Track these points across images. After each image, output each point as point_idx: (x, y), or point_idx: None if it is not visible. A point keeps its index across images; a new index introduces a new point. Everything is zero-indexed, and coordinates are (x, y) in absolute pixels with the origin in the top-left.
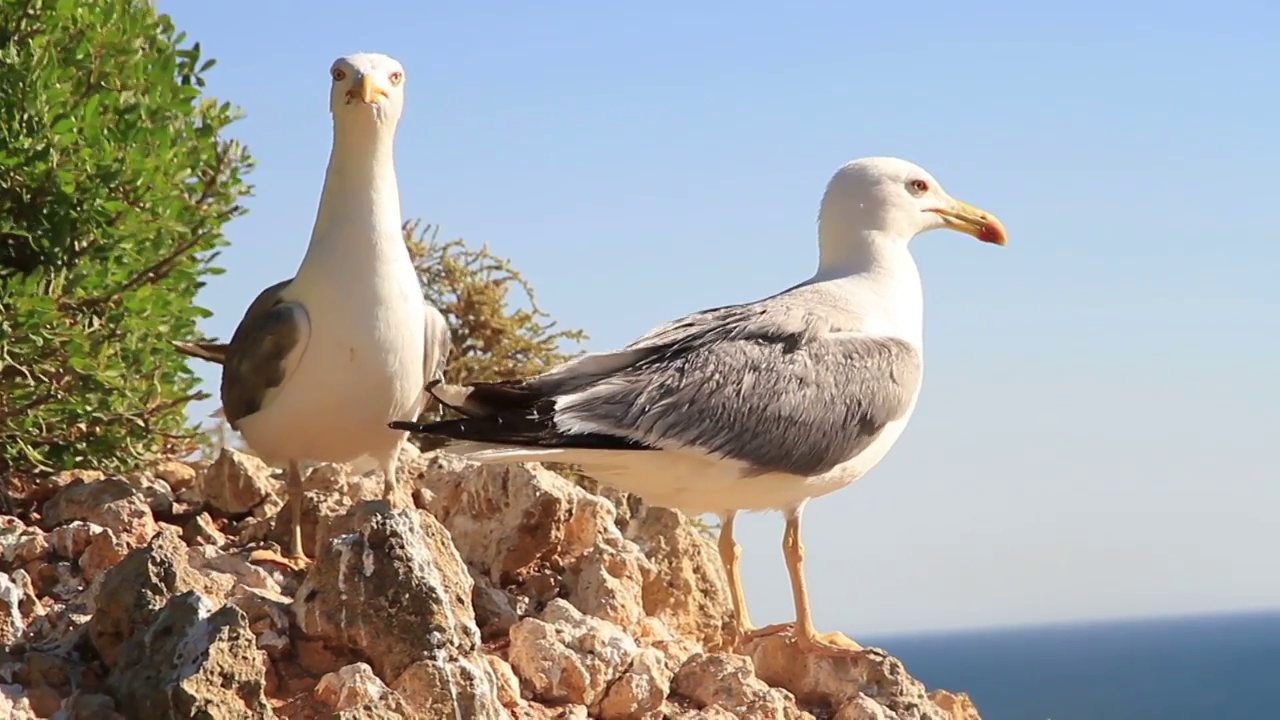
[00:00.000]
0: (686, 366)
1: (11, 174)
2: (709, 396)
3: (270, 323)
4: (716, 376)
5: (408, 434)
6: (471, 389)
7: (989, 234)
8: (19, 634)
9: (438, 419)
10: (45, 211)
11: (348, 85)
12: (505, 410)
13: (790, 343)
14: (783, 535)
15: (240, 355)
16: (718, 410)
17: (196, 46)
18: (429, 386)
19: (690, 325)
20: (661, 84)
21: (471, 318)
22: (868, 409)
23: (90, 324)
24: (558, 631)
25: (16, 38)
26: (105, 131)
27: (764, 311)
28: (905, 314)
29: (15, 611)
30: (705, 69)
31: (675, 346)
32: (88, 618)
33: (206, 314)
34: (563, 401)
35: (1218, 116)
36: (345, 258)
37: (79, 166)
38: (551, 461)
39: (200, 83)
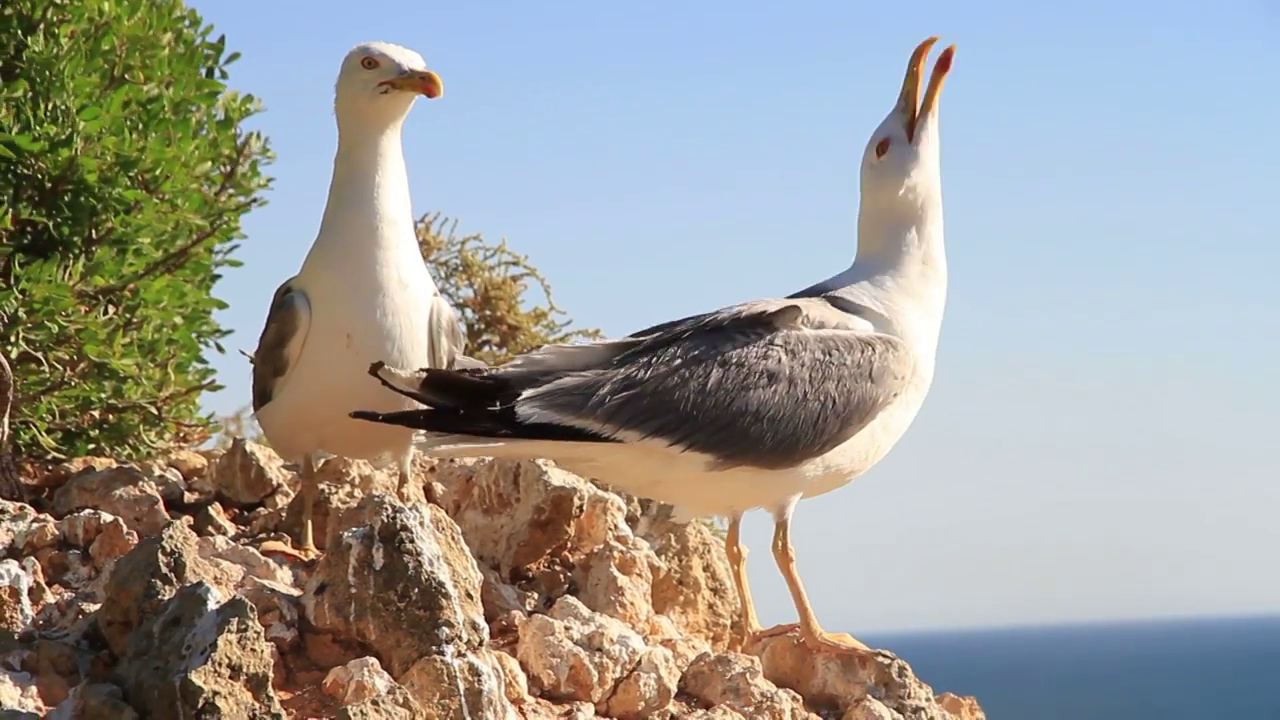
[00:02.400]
0: (654, 360)
1: (34, 160)
2: (673, 390)
3: (275, 311)
4: (683, 370)
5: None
6: (424, 374)
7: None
8: (28, 621)
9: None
10: (66, 199)
11: (383, 75)
12: (458, 398)
13: (769, 339)
14: (771, 538)
15: (258, 348)
16: (681, 403)
17: (222, 39)
18: (374, 369)
19: (674, 324)
20: (684, 76)
21: (488, 313)
22: (842, 407)
23: (106, 312)
24: (566, 628)
25: (43, 28)
26: (128, 122)
27: (750, 306)
28: (910, 316)
29: (25, 599)
30: (730, 61)
31: (647, 342)
32: (97, 606)
33: (222, 305)
34: (526, 393)
35: (1203, 121)
36: (346, 244)
37: (102, 155)
38: (518, 459)
39: (224, 75)
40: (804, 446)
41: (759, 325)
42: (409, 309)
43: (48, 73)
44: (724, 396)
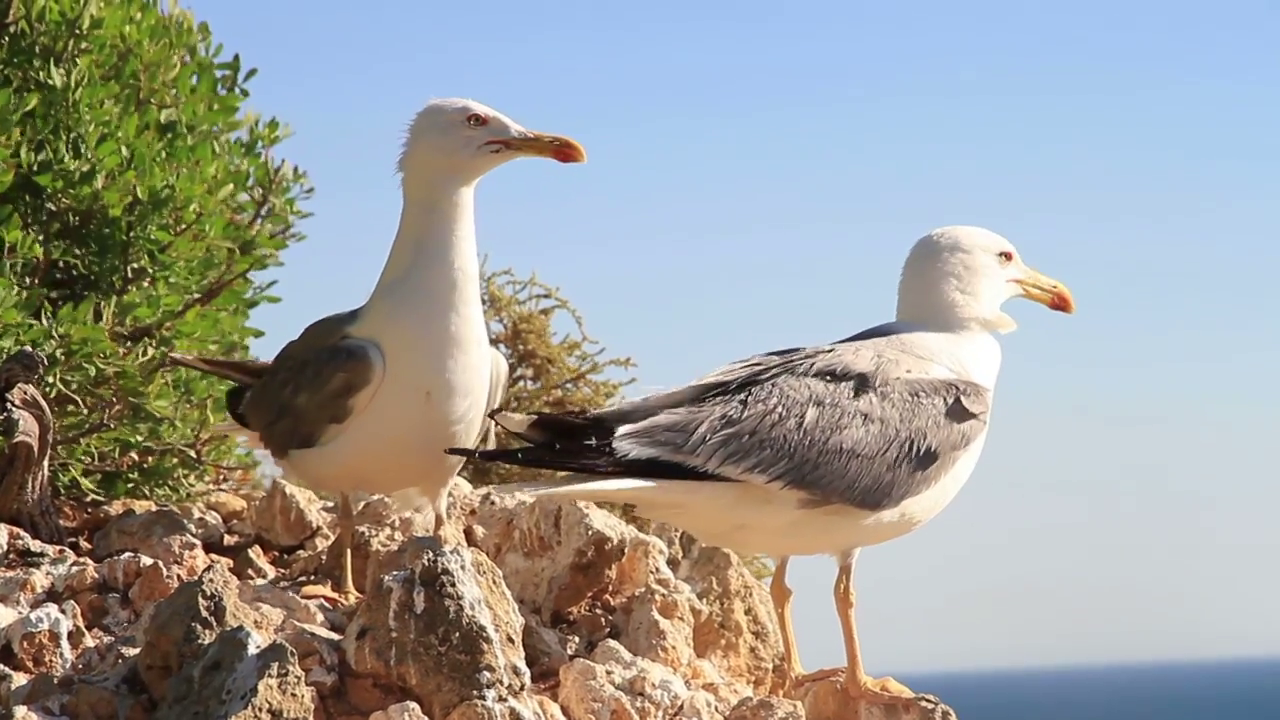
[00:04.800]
0: (749, 399)
1: (59, 196)
2: (771, 428)
3: (341, 359)
4: (779, 409)
5: (458, 470)
6: (535, 417)
7: (1059, 303)
8: (68, 665)
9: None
10: (93, 236)
11: (494, 135)
12: (564, 439)
13: (858, 381)
14: (834, 581)
15: (296, 387)
16: (779, 441)
17: (236, 58)
18: (493, 414)
19: (756, 365)
20: (712, 114)
21: (520, 347)
22: (932, 442)
23: (144, 353)
24: (608, 672)
25: (64, 57)
26: (152, 154)
27: (832, 351)
28: (978, 365)
29: (64, 643)
30: (760, 99)
31: (738, 381)
32: (137, 650)
33: (259, 334)
34: (622, 429)
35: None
36: (428, 297)
37: (125, 189)
38: (610, 502)
39: (245, 94)
40: (897, 486)
41: (848, 369)
42: (481, 365)
43: (65, 103)
44: (821, 435)
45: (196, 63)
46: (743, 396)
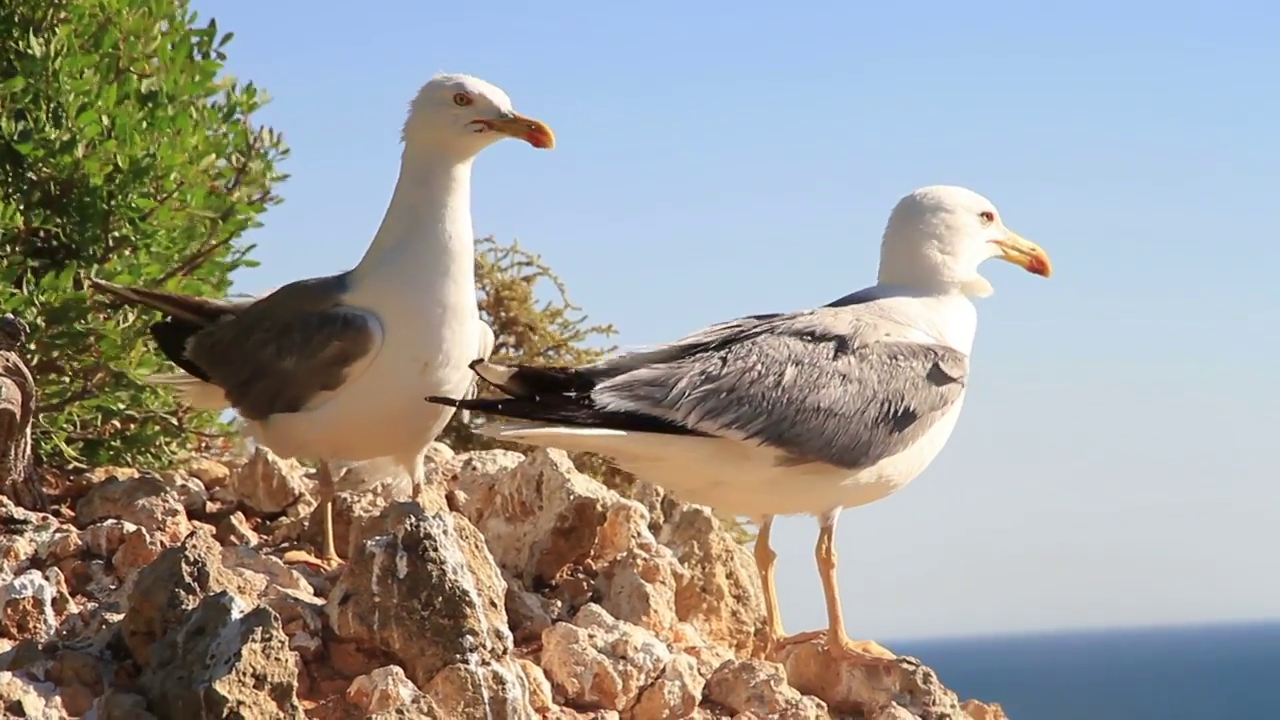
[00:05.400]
0: (729, 356)
1: (40, 165)
2: (750, 385)
3: (337, 327)
4: (759, 366)
5: (434, 439)
6: (516, 368)
7: (1036, 265)
8: (52, 632)
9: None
10: (74, 204)
11: (478, 114)
12: (545, 391)
13: (836, 343)
14: (816, 542)
15: (280, 349)
16: (757, 397)
17: (213, 23)
18: (474, 365)
19: (736, 326)
20: (694, 82)
21: (502, 314)
22: (910, 404)
23: (125, 319)
24: (590, 636)
25: (43, 27)
26: (133, 123)
27: (812, 314)
28: (955, 331)
29: (48, 609)
30: (741, 68)
31: (719, 341)
32: (120, 616)
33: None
34: (602, 383)
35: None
36: (425, 268)
37: (106, 158)
38: (587, 451)
39: (222, 57)
40: (875, 445)
41: (827, 331)
42: (472, 336)
43: (45, 72)
44: (799, 394)
45: (174, 29)
46: (723, 354)
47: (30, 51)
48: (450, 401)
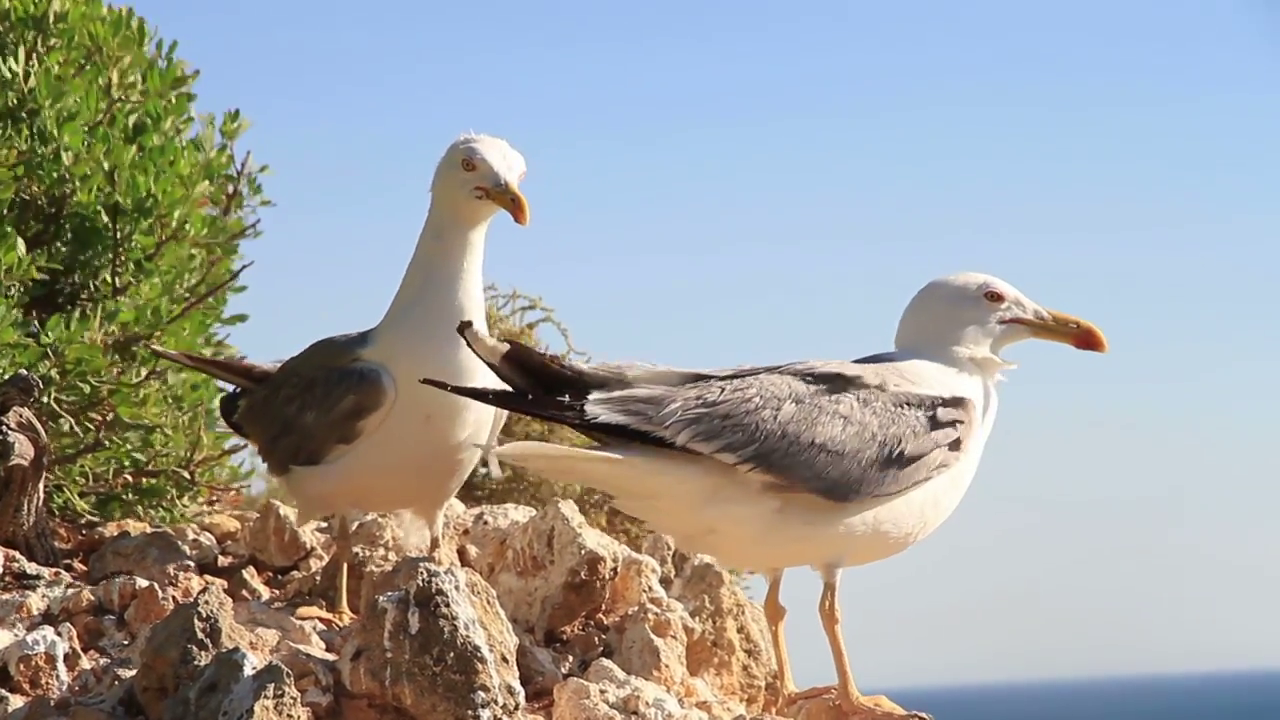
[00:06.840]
0: (729, 388)
1: (26, 180)
2: (745, 414)
3: (353, 381)
4: (757, 398)
5: (454, 493)
6: (508, 346)
7: (1086, 341)
8: (64, 688)
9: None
10: (69, 237)
11: (479, 181)
12: (537, 383)
13: (841, 385)
14: (819, 598)
15: (303, 405)
16: (751, 427)
17: (180, 69)
18: (462, 328)
19: (744, 367)
20: (702, 126)
21: None
22: (907, 448)
23: (139, 374)
24: (602, 691)
25: (23, 51)
26: (128, 159)
27: (825, 363)
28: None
29: (61, 665)
30: (747, 116)
31: (720, 375)
32: (133, 672)
33: (243, 318)
34: (596, 395)
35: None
36: (437, 325)
37: (98, 189)
38: (579, 479)
39: (191, 97)
40: (866, 483)
41: (835, 376)
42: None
43: (24, 91)
44: (795, 427)
45: (146, 62)
46: (723, 385)
47: (8, 73)
48: (442, 385)
